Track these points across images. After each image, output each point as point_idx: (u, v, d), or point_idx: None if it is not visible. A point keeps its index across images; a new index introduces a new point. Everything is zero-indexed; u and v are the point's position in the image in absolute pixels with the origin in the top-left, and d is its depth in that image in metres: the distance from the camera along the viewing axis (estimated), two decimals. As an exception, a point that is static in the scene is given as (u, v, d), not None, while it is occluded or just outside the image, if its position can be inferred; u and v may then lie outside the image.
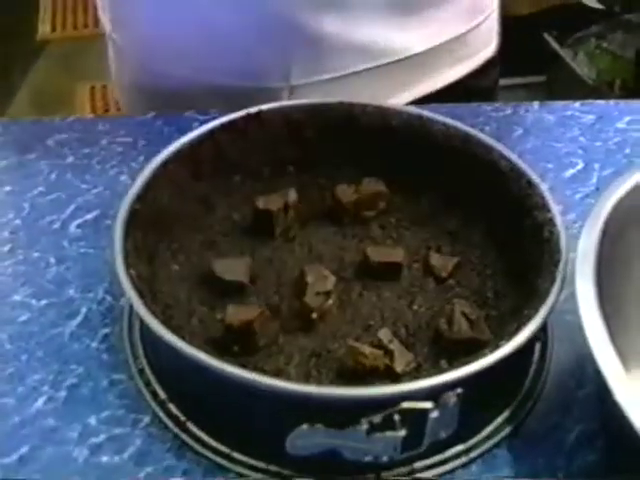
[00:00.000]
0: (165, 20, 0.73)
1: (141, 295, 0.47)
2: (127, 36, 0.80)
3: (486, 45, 0.83)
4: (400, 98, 0.76)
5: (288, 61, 0.73)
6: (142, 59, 0.79)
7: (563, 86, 1.97)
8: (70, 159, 0.69)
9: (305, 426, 0.42)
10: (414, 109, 0.61)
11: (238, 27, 0.71)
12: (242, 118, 0.60)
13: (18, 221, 0.63)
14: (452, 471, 0.47)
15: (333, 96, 0.63)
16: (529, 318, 0.46)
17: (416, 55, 0.76)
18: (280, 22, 0.71)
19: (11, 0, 2.55)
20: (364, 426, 0.42)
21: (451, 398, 0.43)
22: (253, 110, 0.60)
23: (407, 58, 0.75)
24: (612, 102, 0.77)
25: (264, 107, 0.60)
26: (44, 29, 2.47)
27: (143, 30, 0.77)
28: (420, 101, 0.76)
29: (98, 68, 2.40)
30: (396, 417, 0.42)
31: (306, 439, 0.43)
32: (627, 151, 0.71)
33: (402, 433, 0.43)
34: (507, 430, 0.49)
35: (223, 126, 0.59)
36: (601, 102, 0.77)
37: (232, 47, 0.72)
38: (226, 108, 0.62)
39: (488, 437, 0.48)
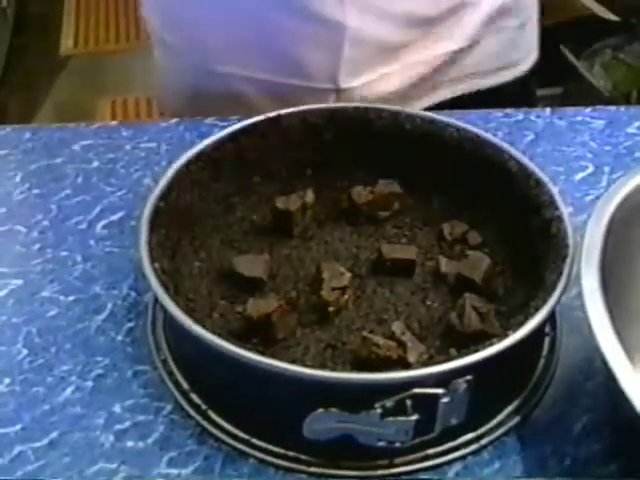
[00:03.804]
0: (215, 18, 0.76)
1: (165, 287, 0.49)
2: (178, 34, 0.81)
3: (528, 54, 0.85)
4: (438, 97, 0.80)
5: (336, 63, 0.75)
6: (192, 57, 0.81)
7: (579, 98, 1.98)
8: (95, 163, 0.72)
9: (321, 410, 0.44)
10: (427, 113, 0.63)
11: (286, 26, 0.73)
12: (262, 122, 0.62)
13: (46, 222, 0.66)
14: (463, 457, 0.49)
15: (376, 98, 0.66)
16: (536, 310, 0.48)
17: (456, 54, 0.79)
18: (327, 23, 0.73)
19: (35, 16, 2.60)
20: (378, 410, 0.44)
21: (461, 385, 0.45)
22: (272, 114, 0.62)
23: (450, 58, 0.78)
24: (622, 108, 0.79)
25: (283, 111, 0.63)
26: (67, 45, 2.52)
27: (194, 28, 0.78)
28: (457, 100, 0.80)
29: (119, 83, 2.45)
30: (408, 402, 0.44)
31: (322, 423, 0.45)
32: (637, 155, 0.73)
33: (414, 418, 0.45)
34: (516, 419, 0.51)
35: (244, 129, 0.61)
36: (611, 108, 0.79)
37: (280, 45, 0.74)
38: (273, 109, 0.63)
39: (498, 425, 0.50)
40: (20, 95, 2.31)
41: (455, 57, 0.79)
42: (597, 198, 0.67)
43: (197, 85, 0.81)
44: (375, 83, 0.77)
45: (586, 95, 1.96)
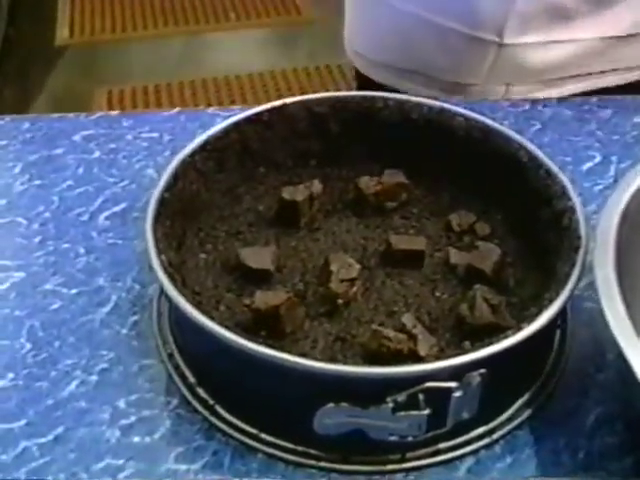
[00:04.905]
0: None
1: (173, 280, 0.48)
2: None
3: None
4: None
5: (505, 14, 0.75)
6: None
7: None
8: (97, 154, 0.71)
9: (331, 405, 0.44)
10: (435, 102, 0.62)
11: None
12: (267, 111, 0.61)
13: (48, 214, 0.65)
14: (476, 452, 0.48)
15: (538, 63, 0.73)
16: (550, 302, 0.47)
17: (617, 41, 0.79)
18: None
19: (30, 5, 2.58)
20: (389, 405, 0.43)
21: (474, 378, 0.44)
22: (277, 103, 0.61)
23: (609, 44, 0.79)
24: (629, 97, 0.78)
25: (288, 100, 0.62)
26: (62, 34, 2.51)
27: None
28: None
29: (115, 72, 2.43)
30: (420, 396, 0.44)
31: (333, 417, 0.44)
32: (644, 144, 0.72)
33: (426, 412, 0.44)
34: (528, 412, 0.50)
35: (248, 119, 0.60)
36: (618, 97, 0.78)
37: None
38: (439, 56, 0.68)
39: (510, 419, 0.50)
40: (15, 85, 2.29)
41: (615, 44, 0.79)
42: (605, 188, 0.67)
43: (380, 22, 0.83)
44: (536, 48, 0.77)
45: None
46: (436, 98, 0.63)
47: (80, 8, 2.60)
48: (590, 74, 0.81)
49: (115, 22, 2.55)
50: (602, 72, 0.81)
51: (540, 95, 0.80)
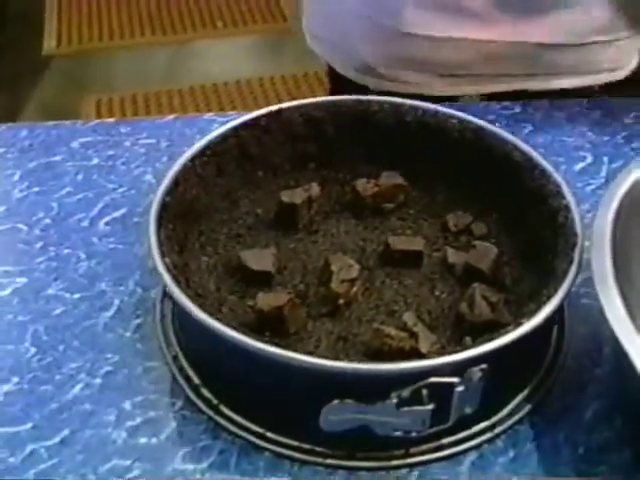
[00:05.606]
0: None
1: (177, 281, 0.49)
2: None
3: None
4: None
5: (399, 5, 0.76)
6: None
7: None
8: (95, 160, 0.71)
9: (336, 401, 0.44)
10: (429, 105, 0.63)
11: None
12: (264, 116, 0.62)
13: (48, 220, 0.65)
14: (478, 446, 0.49)
15: (451, 58, 0.76)
16: (549, 298, 0.48)
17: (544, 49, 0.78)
18: None
19: (17, 15, 2.58)
20: (394, 400, 0.44)
21: (476, 373, 0.45)
22: (274, 108, 0.62)
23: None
24: (619, 99, 0.79)
25: (284, 105, 0.62)
26: (50, 44, 2.51)
27: None
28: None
29: (104, 82, 2.42)
30: (424, 392, 0.45)
31: (339, 414, 0.45)
32: (634, 145, 0.73)
33: (430, 407, 0.45)
34: (528, 407, 0.51)
35: (246, 124, 0.61)
36: (608, 98, 0.79)
37: None
38: (355, 38, 0.74)
39: (510, 414, 0.50)
40: (3, 95, 2.29)
41: (545, 51, 0.78)
42: (597, 188, 0.69)
43: (328, 18, 0.86)
44: (444, 42, 0.77)
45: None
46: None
47: (67, 18, 2.60)
48: (515, 75, 0.80)
49: (102, 31, 2.55)
50: (531, 75, 0.80)
51: (461, 90, 0.81)
